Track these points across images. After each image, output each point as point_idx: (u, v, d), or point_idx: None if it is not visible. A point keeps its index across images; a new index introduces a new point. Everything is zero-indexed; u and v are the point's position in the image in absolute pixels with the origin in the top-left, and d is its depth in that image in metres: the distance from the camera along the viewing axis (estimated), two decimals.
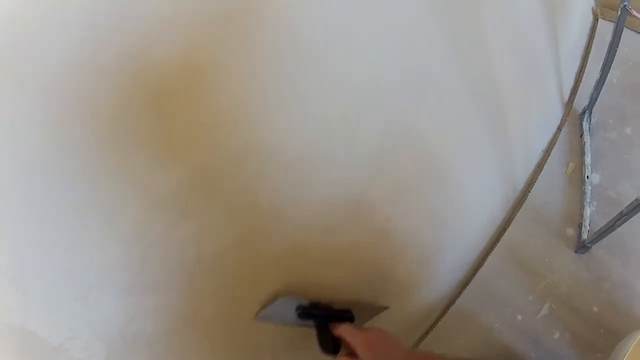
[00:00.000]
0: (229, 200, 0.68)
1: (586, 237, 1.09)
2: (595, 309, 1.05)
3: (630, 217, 0.91)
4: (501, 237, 1.14)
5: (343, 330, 0.85)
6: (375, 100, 0.77)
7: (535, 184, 1.22)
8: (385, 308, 1.02)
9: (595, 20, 1.57)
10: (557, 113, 1.33)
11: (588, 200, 1.16)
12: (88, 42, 0.47)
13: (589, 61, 1.44)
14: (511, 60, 1.10)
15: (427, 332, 1.15)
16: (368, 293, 0.99)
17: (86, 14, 0.46)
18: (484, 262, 1.12)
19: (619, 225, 0.96)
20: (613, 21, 1.11)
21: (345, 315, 0.94)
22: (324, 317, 0.90)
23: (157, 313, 0.69)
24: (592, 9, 1.58)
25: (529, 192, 1.21)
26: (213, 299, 0.76)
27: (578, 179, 1.20)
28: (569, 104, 1.35)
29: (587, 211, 1.14)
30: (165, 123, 0.57)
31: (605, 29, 1.41)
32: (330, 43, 0.67)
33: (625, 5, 1.07)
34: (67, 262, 0.59)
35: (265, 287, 0.82)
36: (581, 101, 1.34)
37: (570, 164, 1.23)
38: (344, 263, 0.91)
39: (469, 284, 1.11)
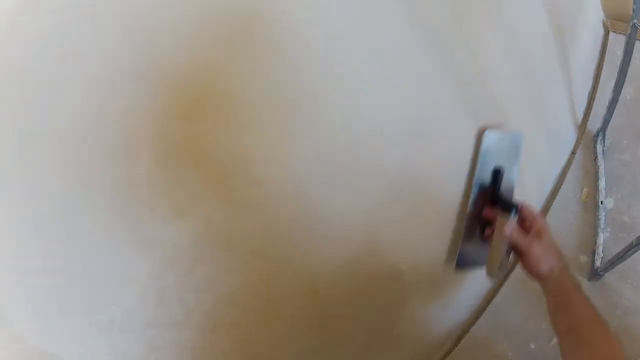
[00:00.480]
0: (241, 245, 0.72)
1: (599, 264, 1.10)
2: None
3: None
4: (515, 265, 1.15)
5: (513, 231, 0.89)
6: (382, 145, 0.81)
7: (549, 210, 1.23)
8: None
9: (607, 33, 1.56)
10: (570, 136, 1.33)
11: (602, 226, 1.16)
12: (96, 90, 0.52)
13: (601, 79, 1.44)
14: (521, 87, 1.12)
15: None
16: (381, 324, 1.02)
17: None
18: (498, 291, 1.13)
19: (630, 255, 0.97)
20: (624, 34, 1.12)
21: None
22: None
23: (176, 345, 0.73)
24: (603, 21, 1.57)
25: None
26: (229, 333, 0.79)
27: (592, 204, 1.21)
28: (582, 126, 1.35)
29: (601, 237, 1.15)
30: (179, 176, 0.62)
31: (617, 42, 1.41)
32: (340, 92, 0.72)
33: (635, 23, 1.08)
34: (93, 297, 0.63)
35: (279, 322, 0.85)
36: (595, 122, 1.34)
37: (585, 189, 1.24)
38: (356, 301, 0.95)
39: (483, 313, 1.13)
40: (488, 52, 0.97)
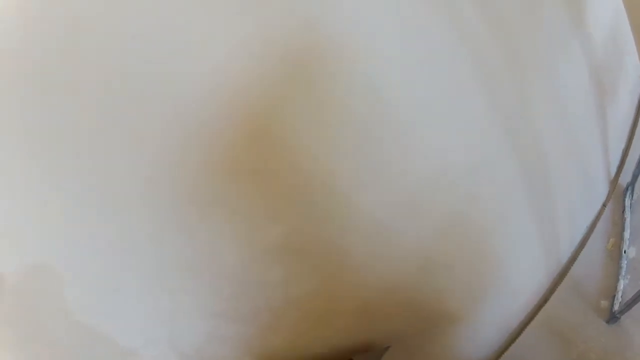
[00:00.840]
0: (316, 252, 0.87)
1: (617, 308, 1.26)
2: None
3: None
4: (541, 308, 1.35)
5: None
6: (444, 184, 1.00)
7: (577, 260, 1.40)
8: (387, 348, 1.08)
9: None
10: (602, 190, 1.49)
11: (623, 273, 1.32)
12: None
13: (635, 136, 1.57)
14: (562, 142, 1.29)
15: None
16: (413, 348, 1.19)
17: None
18: (523, 331, 1.33)
19: None
20: None
21: None
22: None
23: (233, 340, 0.85)
24: None
25: (571, 266, 1.40)
26: (287, 334, 0.92)
27: (617, 253, 1.37)
28: (614, 181, 1.51)
29: (621, 284, 1.31)
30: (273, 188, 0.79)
31: None
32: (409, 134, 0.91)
33: None
34: (162, 280, 0.76)
35: (336, 328, 1.00)
36: (626, 177, 1.49)
37: (611, 239, 1.40)
38: (397, 322, 1.12)
39: (507, 351, 1.33)
40: (537, 108, 1.15)
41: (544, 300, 1.37)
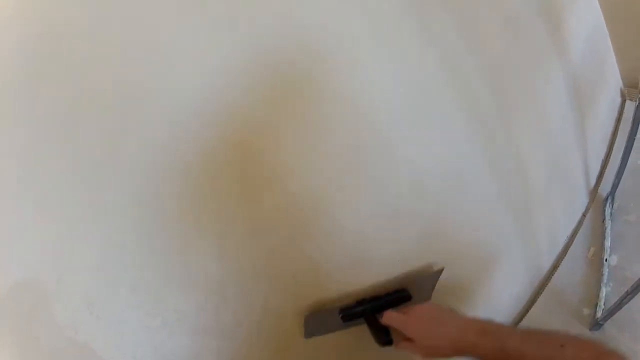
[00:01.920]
0: (296, 267, 0.88)
1: (600, 315, 1.25)
2: None
3: (634, 295, 1.08)
4: (524, 317, 1.33)
5: (387, 319, 0.86)
6: (424, 195, 1.01)
7: (558, 267, 1.40)
8: (441, 270, 1.02)
9: (624, 101, 1.71)
10: (582, 200, 1.50)
11: (605, 281, 1.31)
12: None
13: (615, 146, 1.59)
14: (542, 153, 1.31)
15: None
16: None
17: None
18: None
19: (625, 303, 1.12)
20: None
21: (401, 295, 0.95)
22: (372, 309, 0.92)
23: (219, 355, 0.85)
24: (621, 89, 1.72)
25: (552, 275, 1.39)
26: (267, 345, 0.91)
27: (598, 261, 1.36)
28: (594, 191, 1.51)
29: (604, 291, 1.30)
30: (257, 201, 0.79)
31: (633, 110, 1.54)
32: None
33: None
34: (151, 301, 0.76)
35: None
36: (606, 187, 1.50)
37: (592, 248, 1.40)
38: None
39: None
40: (516, 119, 1.17)
41: (526, 309, 1.36)
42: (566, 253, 1.41)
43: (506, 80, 1.14)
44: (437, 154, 1.02)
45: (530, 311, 1.34)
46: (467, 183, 1.10)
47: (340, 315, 0.92)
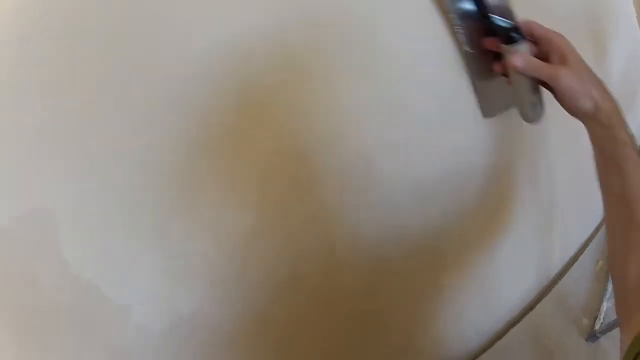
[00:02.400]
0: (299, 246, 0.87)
1: (598, 327, 1.32)
2: None
3: None
4: (526, 314, 1.38)
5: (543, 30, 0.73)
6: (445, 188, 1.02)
7: (565, 275, 1.45)
8: None
9: None
10: (598, 213, 1.53)
11: (607, 296, 1.38)
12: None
13: None
14: (570, 159, 1.33)
15: None
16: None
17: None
18: (505, 334, 1.37)
19: None
20: None
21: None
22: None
23: (232, 304, 0.84)
24: None
25: (559, 280, 1.44)
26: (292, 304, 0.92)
27: (604, 275, 1.42)
28: None
29: (604, 306, 1.36)
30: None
31: None
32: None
33: None
34: (175, 243, 0.77)
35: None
36: None
37: (600, 262, 1.45)
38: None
39: (486, 352, 1.36)
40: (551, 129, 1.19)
41: (529, 308, 1.41)
42: (576, 261, 1.46)
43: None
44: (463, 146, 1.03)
45: (533, 311, 1.40)
46: (492, 177, 1.11)
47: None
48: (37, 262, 0.72)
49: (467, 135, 1.04)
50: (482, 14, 0.76)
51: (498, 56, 0.79)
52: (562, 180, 1.32)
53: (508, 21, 0.75)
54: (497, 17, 0.75)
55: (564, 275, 1.45)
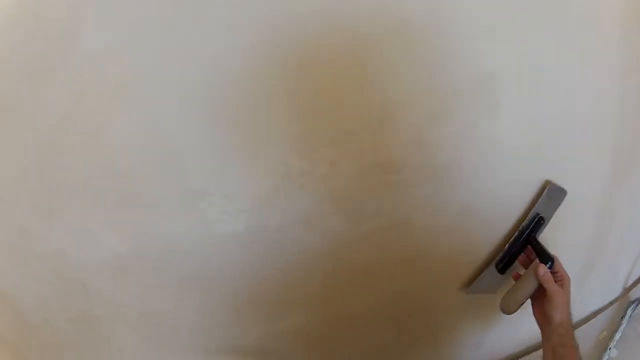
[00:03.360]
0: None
1: None
2: None
3: None
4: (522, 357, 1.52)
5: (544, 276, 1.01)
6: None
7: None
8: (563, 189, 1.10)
9: None
10: (615, 292, 1.69)
11: None
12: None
13: None
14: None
15: None
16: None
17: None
18: None
19: None
20: None
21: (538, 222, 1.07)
22: (523, 245, 1.08)
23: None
24: None
25: None
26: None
27: (604, 345, 1.59)
28: (626, 290, 1.72)
29: None
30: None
31: None
32: None
33: None
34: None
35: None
36: (637, 292, 1.71)
37: (604, 332, 1.62)
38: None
39: None
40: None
41: (526, 353, 1.54)
42: (581, 324, 1.62)
43: None
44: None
45: (531, 355, 1.54)
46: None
47: (498, 268, 1.10)
48: None
49: None
50: (534, 235, 1.09)
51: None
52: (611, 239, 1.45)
53: (547, 250, 1.06)
54: (541, 242, 1.08)
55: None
